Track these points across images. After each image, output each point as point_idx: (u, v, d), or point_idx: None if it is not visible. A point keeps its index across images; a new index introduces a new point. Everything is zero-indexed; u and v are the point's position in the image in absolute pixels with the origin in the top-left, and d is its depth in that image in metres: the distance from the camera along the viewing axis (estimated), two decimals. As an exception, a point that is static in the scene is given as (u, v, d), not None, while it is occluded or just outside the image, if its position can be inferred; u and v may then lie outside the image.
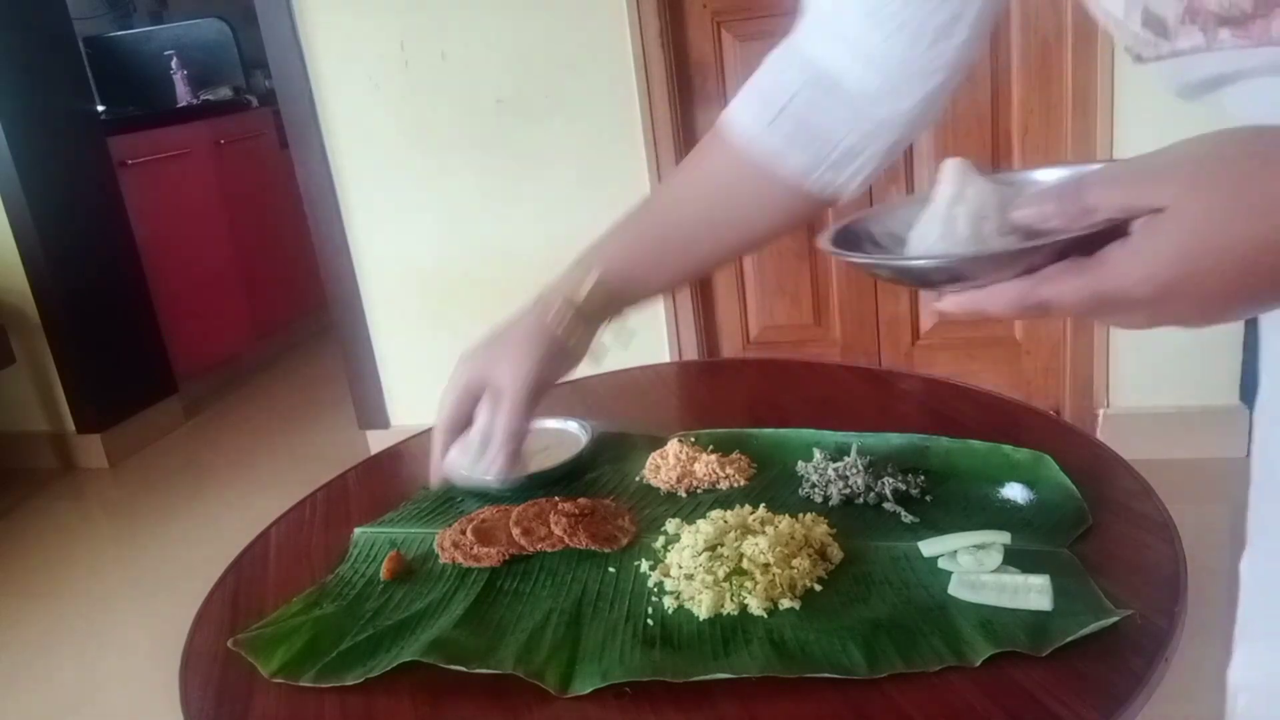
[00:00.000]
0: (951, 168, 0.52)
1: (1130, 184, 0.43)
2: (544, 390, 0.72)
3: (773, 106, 0.67)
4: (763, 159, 0.67)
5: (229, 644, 0.77)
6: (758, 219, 0.71)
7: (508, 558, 0.85)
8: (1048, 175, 0.54)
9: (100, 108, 3.37)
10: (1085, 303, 0.44)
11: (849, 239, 0.57)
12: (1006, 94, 2.27)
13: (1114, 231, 0.43)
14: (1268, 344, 0.56)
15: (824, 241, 0.57)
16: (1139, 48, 0.49)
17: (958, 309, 0.48)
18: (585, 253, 0.74)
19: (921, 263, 0.50)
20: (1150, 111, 2.05)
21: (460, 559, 0.86)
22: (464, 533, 0.88)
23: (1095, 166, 0.48)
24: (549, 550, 0.86)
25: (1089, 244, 0.44)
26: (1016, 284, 0.46)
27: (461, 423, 0.72)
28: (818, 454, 0.95)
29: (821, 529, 0.83)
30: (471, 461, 0.69)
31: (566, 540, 0.85)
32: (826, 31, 0.65)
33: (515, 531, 0.87)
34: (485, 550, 0.85)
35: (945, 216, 0.50)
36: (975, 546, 0.76)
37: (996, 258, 0.47)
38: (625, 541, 0.87)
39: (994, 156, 2.32)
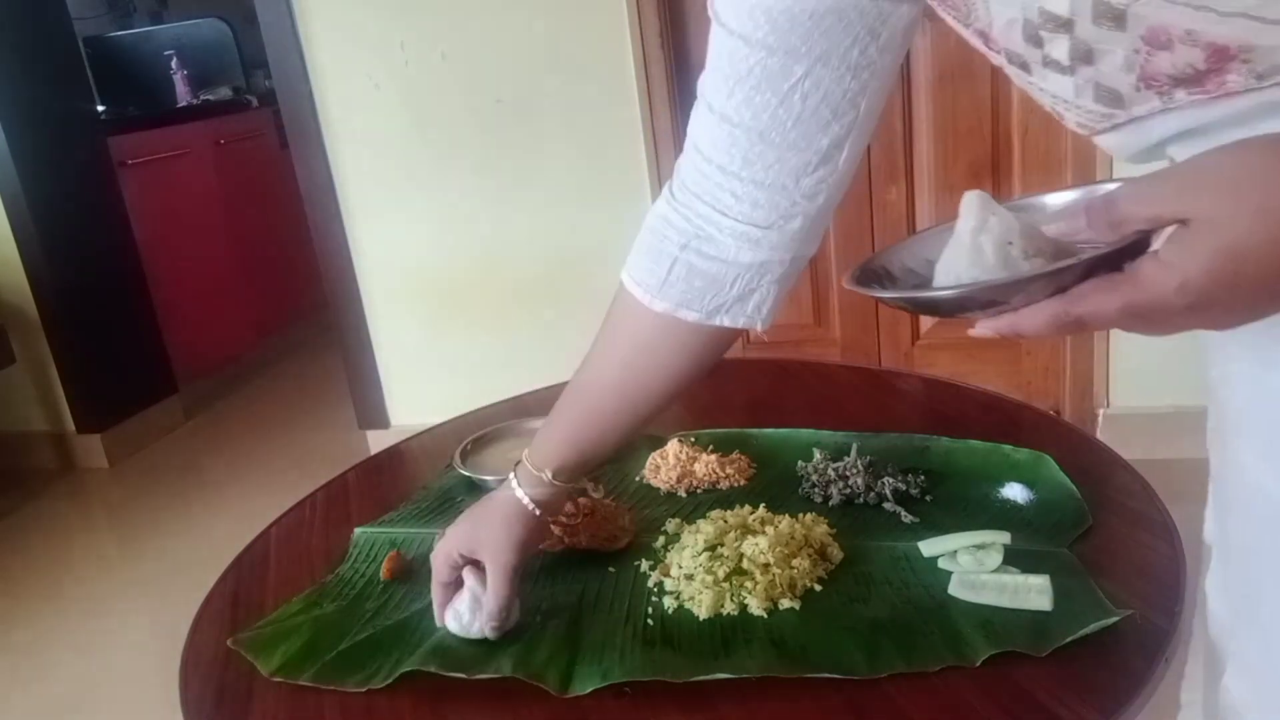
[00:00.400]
0: (972, 200, 0.52)
1: (1158, 197, 0.44)
2: (526, 557, 0.77)
3: (659, 273, 0.69)
4: (665, 315, 0.69)
5: (229, 642, 0.77)
6: (682, 364, 0.73)
7: None
8: (1059, 199, 0.55)
9: (100, 108, 3.36)
10: (1121, 316, 0.45)
11: (870, 275, 0.58)
12: (1006, 94, 2.27)
13: (1138, 247, 0.45)
14: (1213, 372, 0.57)
15: (849, 282, 0.57)
16: (1092, 123, 0.50)
17: (992, 332, 0.49)
18: (530, 452, 0.79)
19: (955, 292, 0.50)
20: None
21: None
22: None
23: (1109, 185, 0.48)
24: (549, 550, 0.86)
25: (1115, 260, 0.45)
26: (1051, 304, 0.46)
27: (453, 583, 0.78)
28: (818, 454, 0.95)
29: (821, 529, 0.83)
30: (465, 622, 0.75)
31: (566, 540, 0.85)
32: (702, 180, 0.66)
33: None
34: None
35: (971, 246, 0.51)
36: (975, 546, 0.76)
37: (1028, 281, 0.47)
38: (625, 542, 0.87)
39: (994, 156, 2.32)
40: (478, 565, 0.84)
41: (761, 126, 0.61)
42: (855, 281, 0.56)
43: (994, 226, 0.51)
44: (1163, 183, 0.45)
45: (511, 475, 0.79)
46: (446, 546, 0.77)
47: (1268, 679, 0.56)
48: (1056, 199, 0.55)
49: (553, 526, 0.86)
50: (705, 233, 0.67)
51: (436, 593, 0.78)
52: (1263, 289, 0.42)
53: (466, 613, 0.74)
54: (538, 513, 0.77)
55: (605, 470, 0.99)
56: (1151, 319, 0.45)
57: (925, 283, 0.54)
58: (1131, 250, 0.45)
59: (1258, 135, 0.43)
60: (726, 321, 0.69)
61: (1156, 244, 0.45)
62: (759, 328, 0.70)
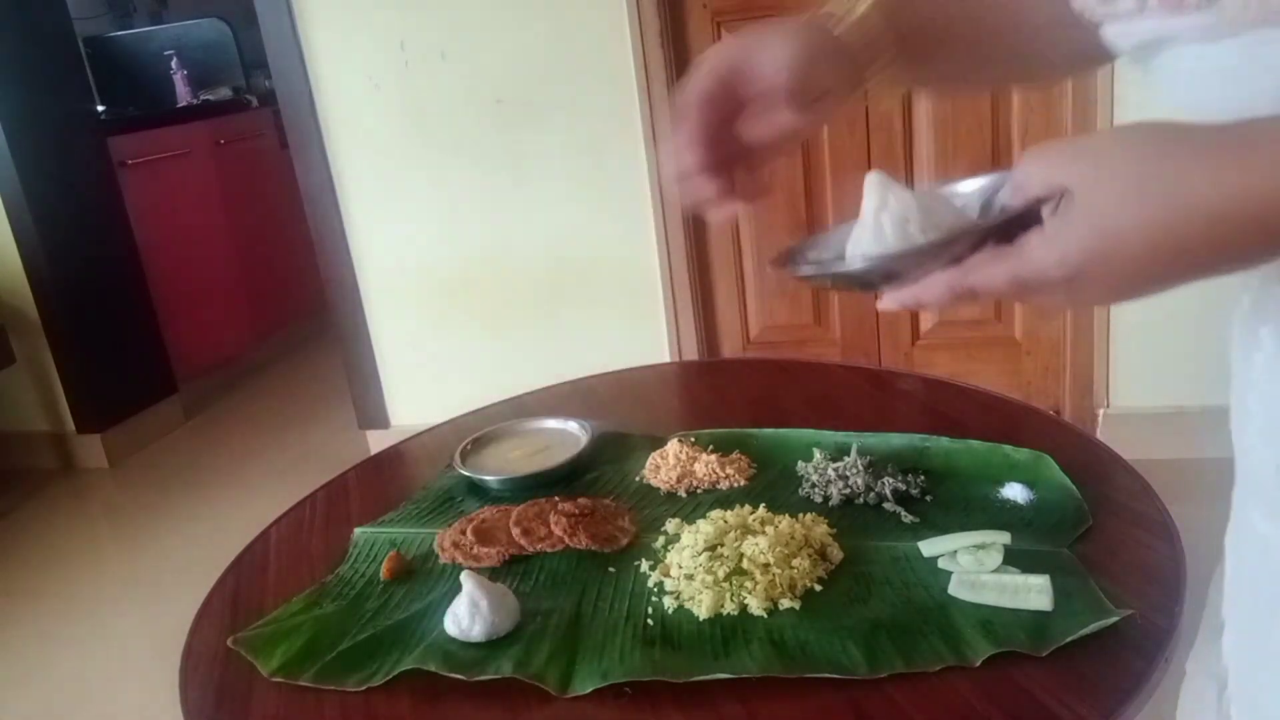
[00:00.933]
0: (872, 181, 0.55)
1: (1053, 161, 0.47)
2: (813, 91, 0.58)
3: None
4: None
5: (229, 642, 0.77)
6: (1033, 9, 0.61)
7: (508, 558, 0.85)
8: (969, 186, 0.58)
9: (100, 108, 3.37)
10: (1008, 286, 0.48)
11: (794, 260, 0.61)
12: (1006, 94, 2.27)
13: (1029, 219, 0.48)
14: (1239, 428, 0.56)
15: (771, 264, 0.60)
16: (1088, 10, 0.52)
17: (896, 304, 0.52)
18: None
19: (856, 266, 0.54)
20: (1150, 112, 2.05)
21: (460, 559, 0.86)
22: (464, 533, 0.88)
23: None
24: (549, 550, 0.86)
25: (1007, 231, 0.48)
26: (946, 275, 0.49)
27: (713, 102, 0.59)
28: (818, 454, 0.95)
29: (821, 529, 0.83)
30: (464, 626, 0.74)
31: (566, 540, 0.85)
32: None
33: (515, 531, 0.87)
34: (485, 550, 0.85)
35: (873, 225, 0.54)
36: (975, 546, 0.76)
37: (921, 251, 0.52)
38: (625, 542, 0.87)
39: (994, 157, 2.32)
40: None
41: None
42: (776, 264, 0.60)
43: (893, 205, 0.54)
44: (1059, 150, 0.47)
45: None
46: (706, 60, 0.58)
47: (1258, 644, 0.56)
48: (968, 186, 0.58)
49: (553, 527, 0.86)
50: None
51: (682, 123, 0.59)
52: (1137, 271, 0.45)
53: (465, 616, 0.74)
54: (836, 30, 0.59)
55: (558, 474, 0.98)
56: (1036, 291, 0.48)
57: (837, 261, 0.57)
58: (1022, 221, 0.48)
59: (1147, 120, 0.45)
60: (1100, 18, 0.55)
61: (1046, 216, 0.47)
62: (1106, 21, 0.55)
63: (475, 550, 0.86)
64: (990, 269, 0.48)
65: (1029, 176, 0.48)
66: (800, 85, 0.58)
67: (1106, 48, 0.57)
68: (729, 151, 0.61)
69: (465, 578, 0.75)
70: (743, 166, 0.62)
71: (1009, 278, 0.47)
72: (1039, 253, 0.46)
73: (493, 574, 0.83)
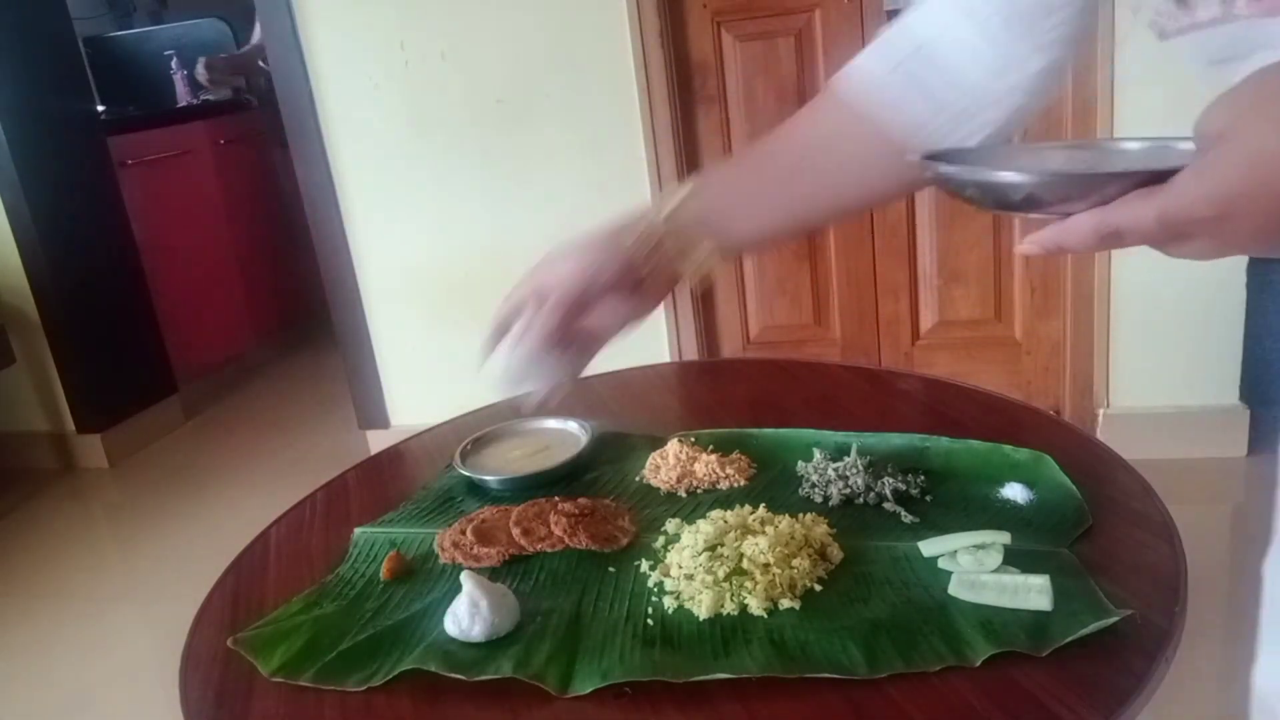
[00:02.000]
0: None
1: (1211, 113, 0.46)
2: (595, 300, 0.70)
3: (894, 57, 0.66)
4: (877, 108, 0.66)
5: (229, 642, 0.77)
6: (857, 174, 0.69)
7: (508, 558, 0.85)
8: (1132, 144, 0.57)
9: (100, 108, 3.37)
10: (1155, 225, 0.46)
11: (938, 160, 0.58)
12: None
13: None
14: None
15: (913, 154, 0.58)
16: (1163, 22, 0.52)
17: (1039, 246, 0.51)
18: (693, 181, 0.73)
19: (1009, 176, 0.51)
20: (1150, 113, 2.05)
21: (460, 559, 0.86)
22: (464, 533, 0.88)
23: (1182, 144, 0.51)
24: (549, 550, 0.86)
25: (1165, 179, 0.46)
26: (1091, 214, 0.48)
27: (511, 322, 0.71)
28: (818, 454, 0.95)
29: (821, 529, 0.83)
30: (464, 627, 0.73)
31: (566, 540, 0.85)
32: (941, 8, 0.65)
33: (515, 531, 0.87)
34: (485, 550, 0.85)
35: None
36: (975, 546, 0.76)
37: (1076, 179, 0.50)
38: (625, 542, 0.87)
39: (994, 156, 2.32)
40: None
41: None
42: (918, 156, 0.57)
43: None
44: (1220, 97, 0.46)
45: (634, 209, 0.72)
46: (523, 279, 0.72)
47: None
48: (1127, 145, 0.58)
49: (553, 527, 0.86)
50: (941, 42, 0.65)
51: (488, 338, 0.73)
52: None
53: (465, 616, 0.74)
54: (629, 242, 0.70)
55: (557, 474, 0.99)
56: (1182, 231, 0.46)
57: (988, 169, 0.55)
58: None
59: None
60: (933, 138, 0.65)
61: None
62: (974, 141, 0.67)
63: (475, 550, 0.86)
64: (1137, 206, 0.46)
65: (1204, 121, 0.46)
66: (574, 300, 0.68)
67: (912, 178, 0.65)
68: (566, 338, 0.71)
69: (465, 578, 0.75)
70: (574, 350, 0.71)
71: (1157, 214, 0.46)
72: (1189, 188, 0.45)
73: (493, 574, 0.83)
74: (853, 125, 0.68)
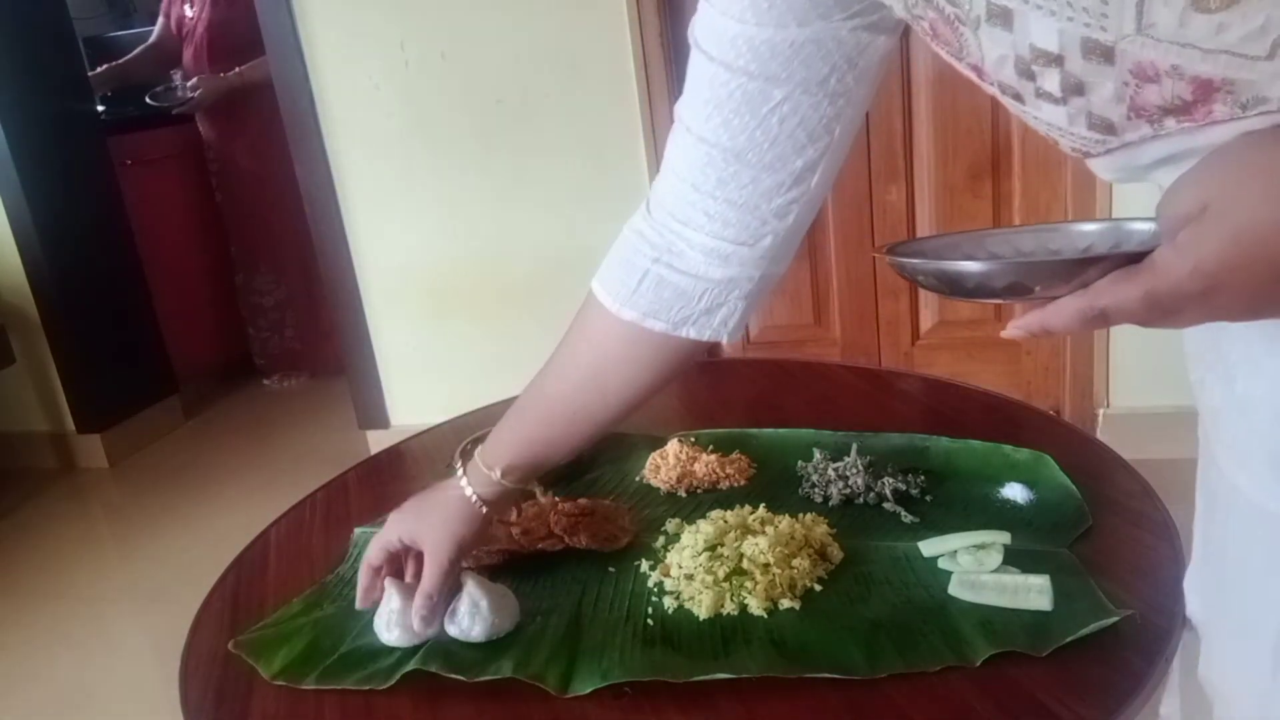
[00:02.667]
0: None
1: (1181, 190, 0.45)
2: (465, 555, 0.78)
3: (629, 283, 0.70)
4: (631, 324, 0.71)
5: (230, 646, 0.77)
6: (644, 374, 0.74)
7: (507, 557, 0.85)
8: (1087, 227, 0.58)
9: (100, 108, 3.36)
10: (1141, 305, 0.46)
11: (903, 254, 0.58)
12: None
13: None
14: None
15: (880, 252, 0.59)
16: (1086, 147, 0.52)
17: (1024, 330, 0.51)
18: (483, 449, 0.79)
19: (980, 266, 0.51)
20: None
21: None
22: None
23: (1137, 224, 0.53)
24: (549, 550, 0.86)
25: (1140, 259, 0.46)
26: (1075, 299, 0.48)
27: (381, 568, 0.79)
28: (818, 454, 0.95)
29: (821, 529, 0.83)
30: (465, 628, 0.75)
31: (566, 540, 0.85)
32: (676, 200, 0.68)
33: (515, 531, 0.87)
34: (485, 550, 0.85)
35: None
36: (975, 546, 0.76)
37: (1055, 266, 0.50)
38: (625, 541, 0.87)
39: (994, 156, 2.32)
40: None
41: (738, 147, 0.63)
42: (888, 253, 0.57)
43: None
44: (1184, 176, 0.46)
45: (460, 470, 0.79)
46: (387, 534, 0.78)
47: (1235, 679, 0.58)
48: (1084, 227, 0.58)
49: (553, 527, 0.86)
50: (677, 248, 0.68)
51: (363, 575, 0.79)
52: (1274, 274, 0.43)
53: (465, 616, 0.74)
54: (483, 510, 0.77)
55: (558, 473, 0.99)
56: (1170, 308, 0.46)
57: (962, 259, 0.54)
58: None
59: (1260, 129, 0.44)
60: (692, 333, 0.70)
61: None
62: (724, 340, 0.72)
63: (475, 550, 0.86)
64: (1121, 288, 0.46)
65: (1172, 202, 0.46)
66: (450, 564, 0.76)
67: (705, 348, 0.71)
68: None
69: (466, 577, 0.76)
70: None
71: (1142, 294, 0.45)
72: (1172, 265, 0.44)
73: (493, 574, 0.83)
74: (619, 335, 0.72)
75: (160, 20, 3.52)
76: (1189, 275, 0.44)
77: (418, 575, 0.77)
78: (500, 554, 0.85)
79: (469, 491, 0.77)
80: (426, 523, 0.78)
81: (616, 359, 0.74)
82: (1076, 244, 0.57)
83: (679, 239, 0.68)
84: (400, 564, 0.81)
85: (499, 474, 0.77)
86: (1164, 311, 0.46)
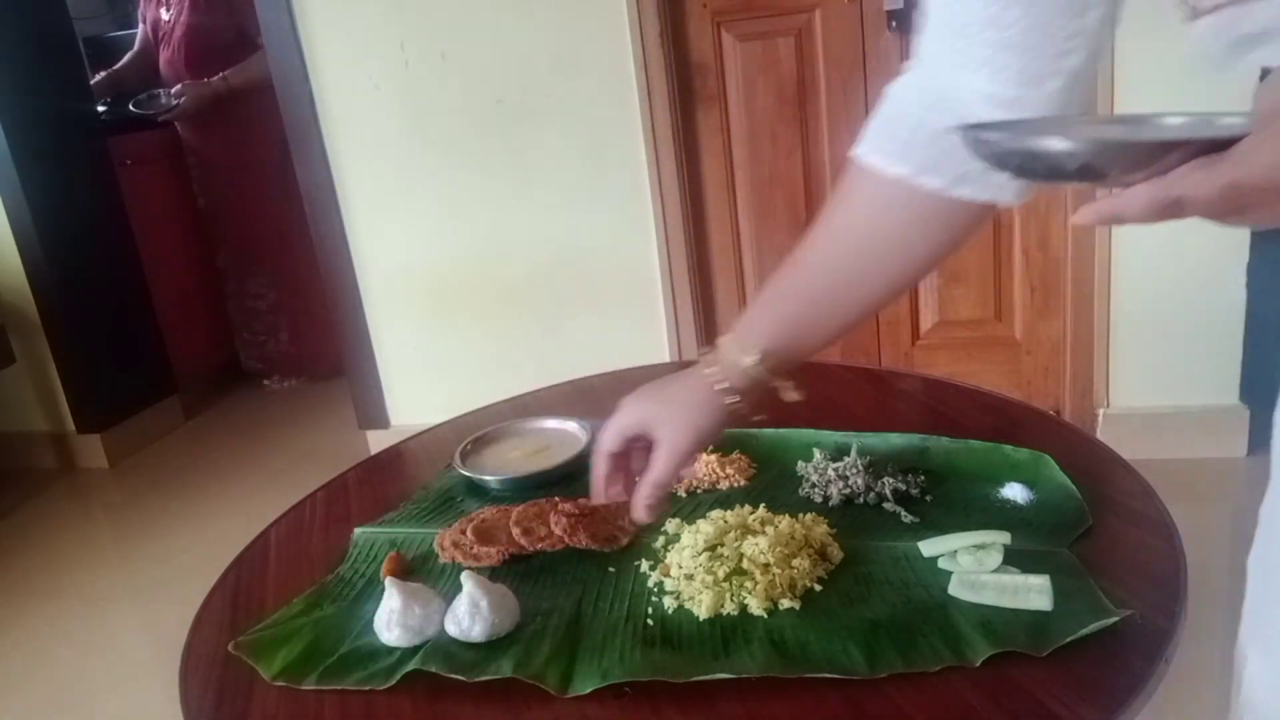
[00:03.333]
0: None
1: (1274, 80, 0.44)
2: (702, 449, 0.74)
3: (899, 136, 0.65)
4: (901, 182, 0.65)
5: (230, 647, 0.77)
6: (919, 240, 0.68)
7: (507, 557, 0.85)
8: (1175, 119, 0.56)
9: (100, 108, 3.36)
10: (1219, 195, 0.44)
11: (979, 132, 0.56)
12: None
13: None
14: None
15: (954, 129, 0.56)
16: (1195, 1, 0.50)
17: (1096, 216, 0.49)
18: (734, 333, 0.73)
19: (1059, 145, 0.49)
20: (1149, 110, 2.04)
21: (460, 559, 0.86)
22: (464, 533, 0.88)
23: (1227, 118, 0.50)
24: (549, 550, 0.86)
25: (1223, 149, 0.45)
26: (1149, 186, 0.46)
27: (618, 453, 0.76)
28: (818, 454, 0.95)
29: (821, 529, 0.83)
30: (465, 627, 0.74)
31: (567, 540, 0.85)
32: (945, 49, 0.63)
33: (515, 531, 0.87)
34: (485, 550, 0.85)
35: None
36: (975, 546, 0.76)
37: (1132, 148, 0.47)
38: (625, 541, 0.87)
39: (994, 156, 2.32)
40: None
41: None
42: (963, 131, 0.55)
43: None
44: (1276, 75, 0.45)
45: (704, 357, 0.73)
46: (622, 420, 0.74)
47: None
48: (1172, 120, 0.56)
49: (553, 526, 0.86)
50: (955, 95, 0.62)
51: (599, 463, 0.76)
52: None
53: (466, 616, 0.74)
54: (728, 401, 0.71)
55: (557, 474, 1.00)
56: (1248, 202, 0.45)
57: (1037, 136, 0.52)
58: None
59: None
60: (970, 193, 0.63)
61: None
62: (1006, 202, 0.65)
63: (475, 550, 0.86)
64: (1200, 175, 0.44)
65: (1271, 90, 0.45)
66: (686, 458, 0.72)
67: (984, 211, 0.63)
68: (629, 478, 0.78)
69: (465, 578, 0.76)
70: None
71: (1224, 184, 0.44)
72: (1258, 156, 0.43)
73: (493, 574, 0.83)
74: (893, 197, 0.66)
75: (140, 25, 3.51)
76: (1269, 165, 0.42)
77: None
78: (500, 554, 0.85)
79: (717, 379, 0.71)
80: (666, 410, 0.73)
81: (886, 226, 0.67)
82: (1166, 133, 0.54)
83: (956, 86, 0.62)
84: (626, 457, 0.76)
85: (755, 359, 0.70)
86: (1240, 207, 0.45)
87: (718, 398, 0.72)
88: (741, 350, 0.71)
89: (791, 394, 0.75)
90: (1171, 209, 0.46)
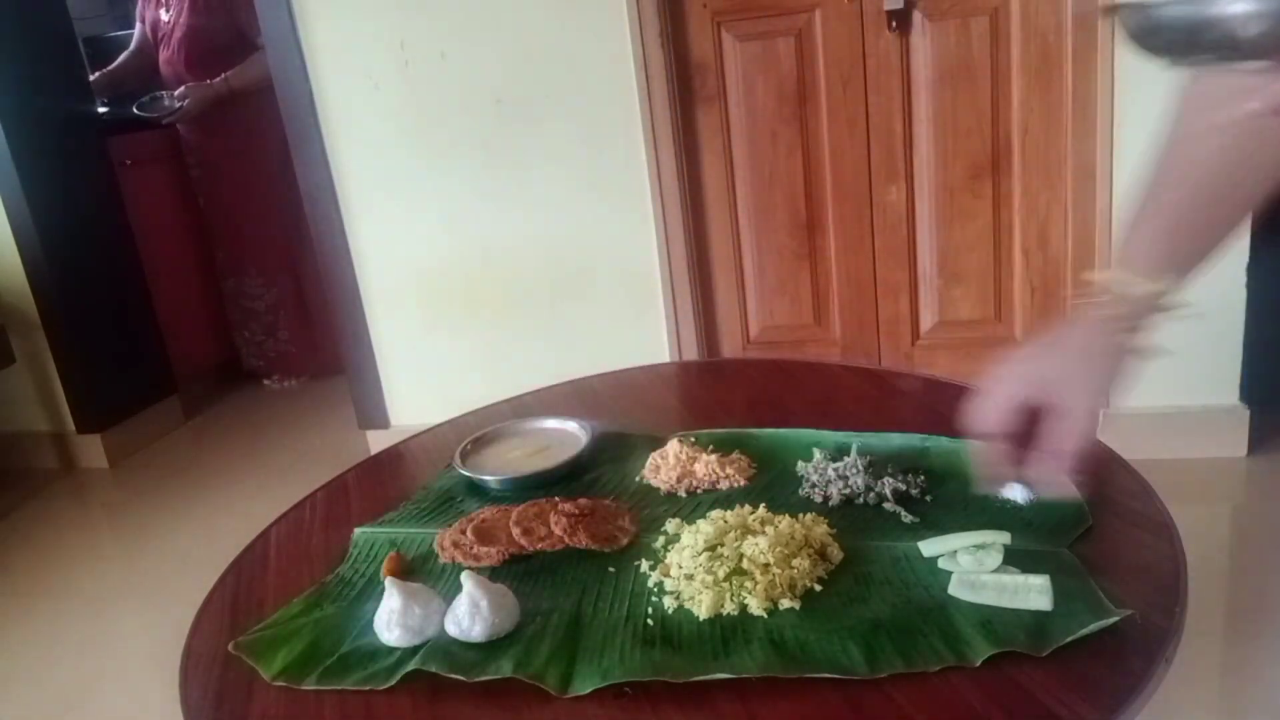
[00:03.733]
0: None
1: None
2: (1106, 403, 0.67)
3: None
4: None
5: (230, 647, 0.77)
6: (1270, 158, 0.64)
7: (507, 557, 0.85)
8: None
9: (100, 108, 3.37)
10: None
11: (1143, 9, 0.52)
12: (1006, 94, 2.27)
13: None
14: None
15: (1105, 10, 0.52)
16: None
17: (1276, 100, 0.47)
18: (1118, 263, 0.68)
19: (1242, 7, 0.45)
20: (1149, 110, 2.04)
21: (460, 558, 0.86)
22: (464, 533, 0.88)
23: None
24: (549, 550, 0.86)
25: None
26: None
27: (1010, 429, 0.69)
28: (818, 454, 0.95)
29: (821, 529, 0.83)
30: (465, 627, 0.73)
31: (567, 540, 0.85)
32: None
33: (515, 531, 0.87)
34: (485, 550, 0.86)
35: None
36: (975, 546, 0.76)
37: None
38: (625, 542, 0.87)
39: (994, 157, 2.32)
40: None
41: None
42: (1109, 12, 0.51)
43: None
44: None
45: (1088, 304, 0.67)
46: (1010, 389, 0.68)
47: None
48: None
49: (553, 526, 0.86)
50: None
51: (986, 451, 0.69)
52: None
53: (465, 616, 0.74)
54: (1129, 345, 0.66)
55: (558, 474, 0.98)
56: None
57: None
58: None
59: None
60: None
61: None
62: None
63: (475, 550, 0.86)
64: None
65: None
66: (1098, 419, 0.65)
67: None
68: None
69: (465, 578, 0.76)
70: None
71: None
72: None
73: (493, 574, 0.83)
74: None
75: (138, 25, 3.51)
76: None
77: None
78: (500, 554, 0.85)
79: (1116, 322, 0.66)
80: (1067, 370, 0.67)
81: (1246, 149, 0.62)
82: None
83: None
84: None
85: (1158, 284, 0.65)
86: None
87: (1117, 342, 0.67)
88: (1137, 277, 0.66)
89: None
90: None
